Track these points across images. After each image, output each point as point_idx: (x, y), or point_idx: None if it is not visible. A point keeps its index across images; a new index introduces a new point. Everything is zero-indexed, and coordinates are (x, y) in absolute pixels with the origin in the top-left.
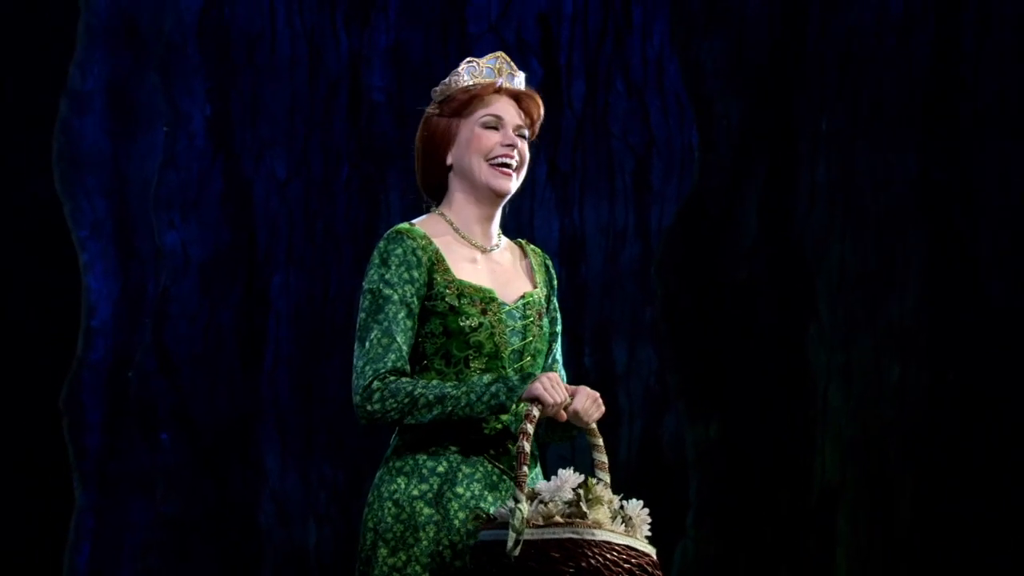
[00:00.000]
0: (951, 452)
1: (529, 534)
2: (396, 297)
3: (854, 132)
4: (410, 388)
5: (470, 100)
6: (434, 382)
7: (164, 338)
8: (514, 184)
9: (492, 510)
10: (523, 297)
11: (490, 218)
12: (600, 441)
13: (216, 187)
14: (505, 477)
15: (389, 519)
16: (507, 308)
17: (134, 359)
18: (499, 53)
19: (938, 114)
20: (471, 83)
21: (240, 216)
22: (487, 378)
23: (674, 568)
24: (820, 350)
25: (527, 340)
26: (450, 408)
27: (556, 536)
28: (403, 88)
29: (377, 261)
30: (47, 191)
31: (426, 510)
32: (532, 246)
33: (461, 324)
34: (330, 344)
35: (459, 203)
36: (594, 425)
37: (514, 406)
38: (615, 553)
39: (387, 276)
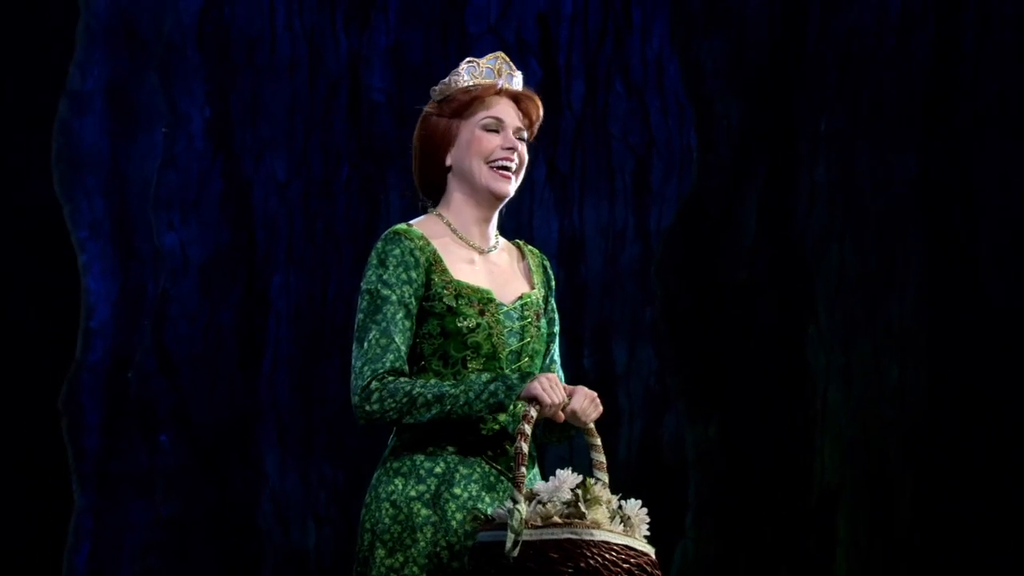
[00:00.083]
0: (951, 452)
1: (527, 535)
2: (394, 298)
3: (854, 132)
4: (408, 388)
5: (471, 102)
6: (432, 381)
7: (164, 339)
8: (513, 187)
9: (490, 511)
10: (521, 298)
11: (488, 219)
12: (598, 441)
13: (216, 187)
14: (503, 478)
15: (387, 520)
16: (505, 309)
17: (133, 360)
18: (499, 53)
19: (938, 114)
20: (471, 83)
21: (240, 216)
22: (485, 376)
23: (674, 568)
24: (820, 350)
25: (525, 341)
26: (448, 407)
27: (554, 537)
28: (403, 88)
29: (375, 262)
30: (46, 192)
31: (423, 511)
32: (530, 247)
33: (459, 325)
34: (330, 344)
35: (457, 204)
36: (592, 425)
37: (512, 406)
38: (614, 553)
39: (385, 277)
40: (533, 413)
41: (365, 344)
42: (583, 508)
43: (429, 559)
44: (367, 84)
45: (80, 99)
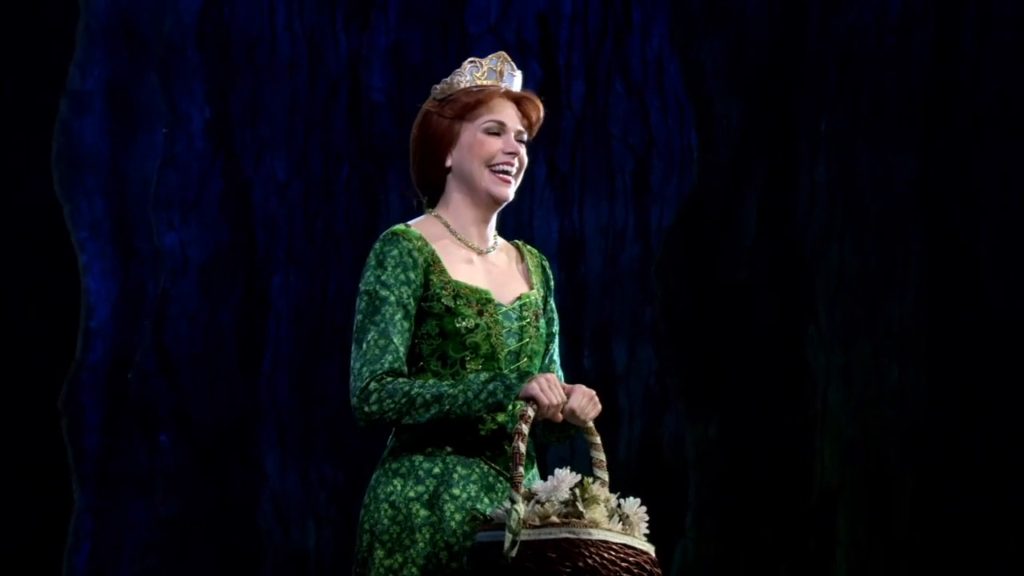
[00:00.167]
0: (951, 452)
1: (526, 535)
2: (392, 298)
3: (854, 132)
4: (407, 388)
5: (475, 105)
6: (431, 381)
7: (164, 339)
8: (513, 190)
9: (489, 511)
10: (520, 298)
11: (486, 220)
12: (598, 439)
13: (216, 187)
14: (502, 478)
15: (385, 521)
16: (503, 309)
17: (133, 360)
18: (500, 53)
19: (938, 114)
20: (474, 84)
21: (240, 216)
22: (484, 376)
23: (674, 568)
24: (820, 350)
25: (524, 341)
26: (447, 407)
27: (553, 536)
28: (403, 88)
29: (373, 263)
30: (46, 192)
31: (422, 512)
32: (529, 247)
33: (457, 325)
34: (330, 344)
35: (456, 205)
36: (591, 423)
37: (511, 405)
38: (612, 552)
39: (383, 277)
40: (531, 413)
41: (364, 345)
42: (581, 507)
43: (428, 560)
44: (367, 84)
45: (80, 99)
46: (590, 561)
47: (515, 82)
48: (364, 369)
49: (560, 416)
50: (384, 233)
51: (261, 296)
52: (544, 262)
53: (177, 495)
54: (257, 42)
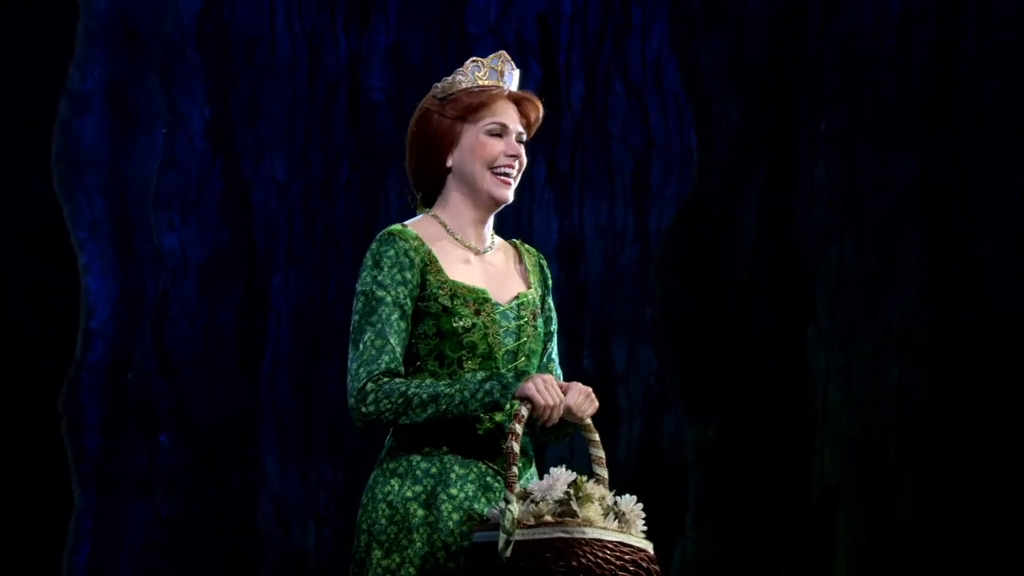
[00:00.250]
0: (951, 452)
1: (520, 535)
2: (389, 299)
3: (854, 132)
4: (403, 388)
5: (478, 106)
6: (428, 381)
7: (164, 339)
8: (513, 191)
9: (485, 511)
10: (517, 297)
11: (484, 221)
12: (596, 436)
13: (216, 188)
14: (499, 478)
15: (383, 521)
16: (501, 309)
17: (133, 360)
18: (501, 53)
19: (938, 114)
20: (476, 85)
21: (240, 217)
22: (481, 375)
23: (674, 568)
24: (820, 350)
25: (521, 341)
26: (444, 406)
27: (547, 536)
28: (403, 89)
29: (370, 263)
30: (46, 192)
31: (420, 512)
32: (526, 246)
33: (454, 325)
34: (330, 344)
35: (455, 205)
36: (589, 420)
37: (509, 404)
38: (607, 551)
39: (380, 278)
40: (524, 412)
41: (360, 346)
42: (575, 506)
43: (425, 560)
44: (367, 84)
45: (80, 99)
46: (584, 560)
47: (514, 80)
48: (361, 370)
49: (557, 416)
50: (380, 233)
51: (261, 296)
52: (542, 261)
53: (177, 495)
54: (257, 42)
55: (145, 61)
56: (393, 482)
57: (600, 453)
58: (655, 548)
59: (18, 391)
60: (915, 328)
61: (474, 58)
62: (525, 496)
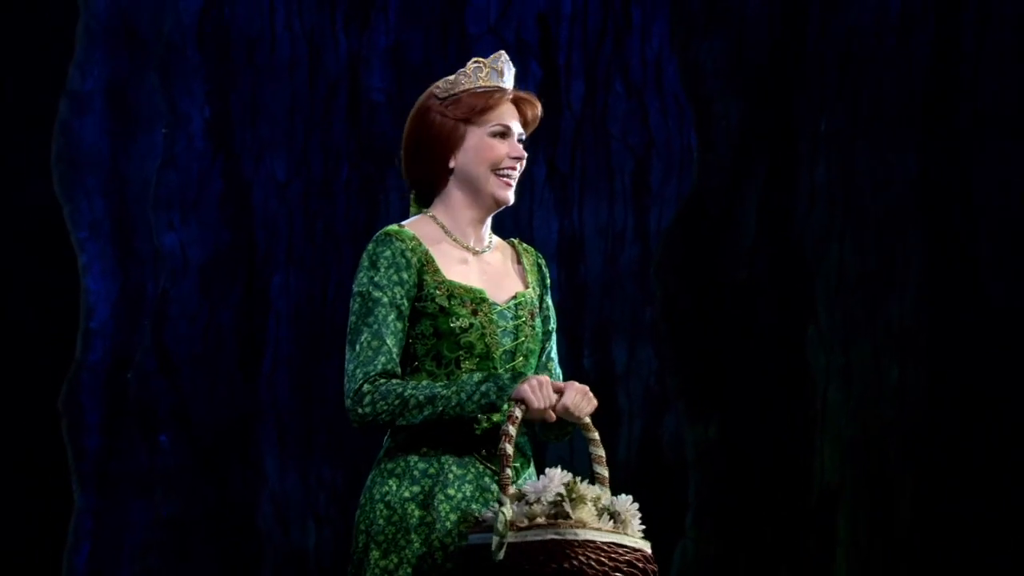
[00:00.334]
0: (951, 452)
1: (513, 537)
2: (385, 299)
3: (854, 132)
4: (400, 390)
5: (483, 109)
6: (424, 383)
7: (164, 339)
8: (514, 193)
9: (481, 512)
10: (515, 297)
11: (483, 221)
12: (596, 435)
13: (216, 188)
14: (497, 478)
15: (381, 521)
16: (498, 308)
17: (133, 360)
18: (500, 53)
19: (938, 114)
20: (479, 86)
21: (240, 217)
22: (477, 377)
23: (674, 568)
24: (820, 350)
25: (519, 340)
26: (441, 408)
27: (539, 538)
28: (403, 88)
29: (366, 264)
30: (46, 192)
31: (417, 512)
32: (524, 245)
33: (451, 325)
34: (330, 344)
35: (456, 206)
36: (588, 419)
37: (504, 406)
38: (600, 552)
39: (376, 278)
40: (518, 413)
41: (357, 347)
42: (568, 508)
43: (423, 560)
44: (367, 84)
45: (80, 99)
46: (575, 562)
47: (511, 78)
48: (357, 371)
49: (552, 415)
50: (377, 234)
51: (261, 296)
52: (540, 260)
53: (177, 495)
54: (257, 42)
55: (145, 61)
56: (391, 483)
57: (600, 452)
58: (655, 548)
59: (18, 391)
60: (915, 328)
61: (476, 59)
62: (520, 497)
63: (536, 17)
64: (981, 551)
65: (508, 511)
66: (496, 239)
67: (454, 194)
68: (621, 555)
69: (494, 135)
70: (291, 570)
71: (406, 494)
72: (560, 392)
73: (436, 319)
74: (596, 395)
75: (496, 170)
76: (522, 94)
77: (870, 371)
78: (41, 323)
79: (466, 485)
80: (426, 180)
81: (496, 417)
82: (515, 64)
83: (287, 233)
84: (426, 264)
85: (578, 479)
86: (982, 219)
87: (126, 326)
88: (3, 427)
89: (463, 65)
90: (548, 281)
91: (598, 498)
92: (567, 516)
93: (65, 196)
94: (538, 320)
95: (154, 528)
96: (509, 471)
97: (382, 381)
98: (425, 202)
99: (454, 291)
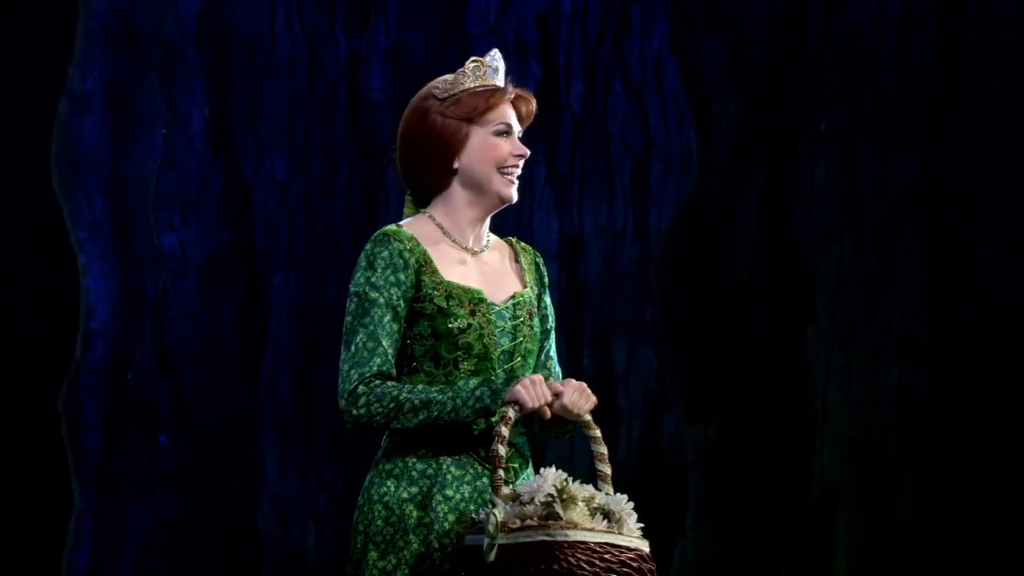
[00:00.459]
0: (951, 452)
1: (504, 538)
2: (382, 300)
3: (854, 132)
4: (395, 393)
5: (485, 109)
6: (420, 386)
7: (164, 339)
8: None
9: (478, 513)
10: (513, 297)
11: (483, 220)
12: (597, 432)
13: (215, 188)
14: None
15: (379, 522)
16: (496, 309)
17: (133, 360)
18: (493, 51)
19: (938, 114)
20: (478, 85)
21: (240, 217)
22: (473, 382)
23: (673, 568)
24: (820, 350)
25: (517, 341)
26: (436, 413)
27: (530, 539)
28: (403, 89)
29: (363, 264)
30: (46, 192)
31: (415, 513)
32: (522, 244)
33: (449, 326)
34: (330, 344)
35: (457, 206)
36: (588, 417)
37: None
38: (591, 553)
39: (373, 279)
40: (511, 414)
41: (352, 347)
42: (558, 509)
43: (421, 561)
44: (366, 84)
45: (80, 99)
46: (565, 563)
47: (503, 73)
48: (352, 372)
49: (548, 412)
50: (375, 234)
51: (261, 296)
52: (538, 258)
53: (177, 495)
54: (257, 42)
55: (145, 61)
56: (389, 483)
57: (602, 449)
58: (654, 548)
59: (18, 391)
60: (915, 328)
61: (474, 58)
62: (515, 498)
63: (536, 17)
64: (981, 551)
65: (499, 513)
66: (494, 238)
67: (457, 194)
68: (615, 555)
69: (498, 134)
70: (291, 570)
71: (404, 495)
72: (558, 391)
73: (434, 320)
74: (596, 395)
75: (501, 168)
76: (519, 91)
77: (870, 371)
78: (41, 323)
79: (464, 486)
80: (426, 181)
81: (494, 418)
82: (515, 64)
83: (287, 233)
84: (424, 264)
85: (570, 479)
86: (982, 219)
87: (126, 326)
88: (3, 427)
89: (463, 65)
90: (546, 280)
91: (591, 498)
92: (558, 517)
93: (65, 196)
94: (536, 320)
95: (154, 528)
96: (501, 472)
97: (377, 383)
98: (423, 202)
99: (452, 292)
